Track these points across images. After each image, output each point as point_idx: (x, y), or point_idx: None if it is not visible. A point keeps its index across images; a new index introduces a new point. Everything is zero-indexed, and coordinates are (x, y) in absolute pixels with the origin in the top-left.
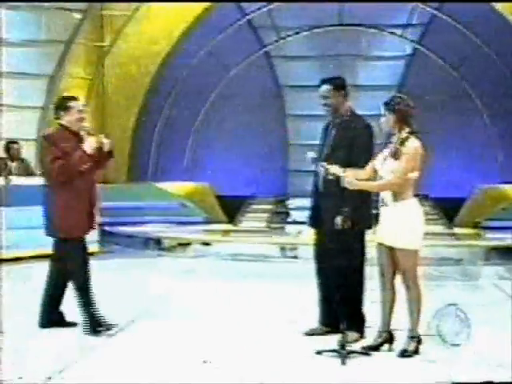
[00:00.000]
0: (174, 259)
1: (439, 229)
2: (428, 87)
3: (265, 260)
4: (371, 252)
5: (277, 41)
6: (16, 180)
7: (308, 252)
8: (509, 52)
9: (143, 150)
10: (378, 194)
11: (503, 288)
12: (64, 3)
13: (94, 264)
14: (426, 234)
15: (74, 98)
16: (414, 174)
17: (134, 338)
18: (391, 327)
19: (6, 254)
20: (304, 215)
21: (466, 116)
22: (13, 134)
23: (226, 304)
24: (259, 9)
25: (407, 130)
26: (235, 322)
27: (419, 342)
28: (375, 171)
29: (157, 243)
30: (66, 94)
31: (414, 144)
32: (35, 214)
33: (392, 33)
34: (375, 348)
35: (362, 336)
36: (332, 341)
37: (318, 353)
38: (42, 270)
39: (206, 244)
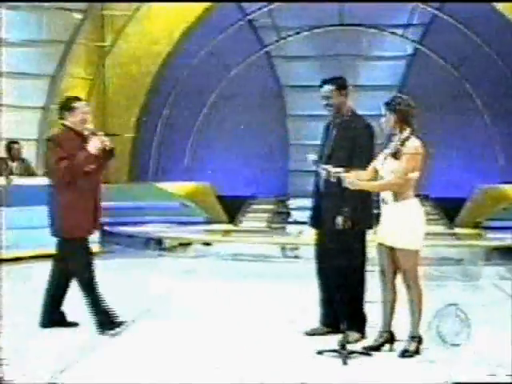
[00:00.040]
0: (174, 259)
1: (440, 229)
2: (429, 87)
3: (265, 260)
4: (372, 252)
5: (277, 41)
6: (17, 180)
7: (309, 252)
8: (510, 52)
9: (144, 150)
10: (378, 194)
11: (504, 288)
12: (64, 3)
13: (94, 264)
14: (427, 234)
15: (78, 99)
16: (415, 174)
17: (135, 338)
18: (392, 327)
19: (6, 254)
20: (305, 215)
21: (466, 116)
22: (13, 134)
23: (227, 304)
24: (260, 9)
25: (408, 130)
26: (236, 322)
27: (420, 342)
28: (376, 172)
29: (157, 243)
30: (70, 95)
31: (414, 144)
32: (36, 214)
33: (393, 33)
34: (376, 348)
35: (362, 336)
36: (333, 341)
37: (319, 353)
38: (42, 269)
39: (207, 244)
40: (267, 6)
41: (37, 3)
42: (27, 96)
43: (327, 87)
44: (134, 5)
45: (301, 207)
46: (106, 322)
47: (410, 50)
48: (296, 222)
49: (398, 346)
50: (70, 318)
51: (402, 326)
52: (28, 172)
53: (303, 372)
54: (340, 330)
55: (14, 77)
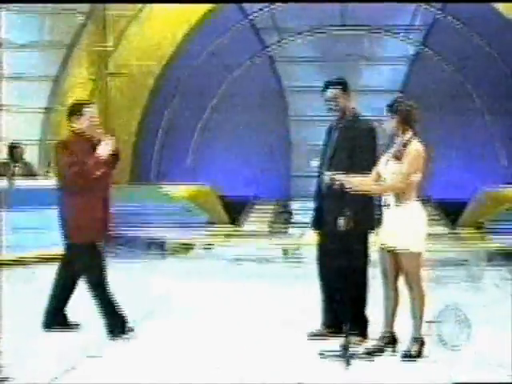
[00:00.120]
0: (176, 261)
1: (442, 230)
2: (431, 88)
3: (267, 262)
4: (374, 254)
5: (279, 42)
6: (19, 182)
7: (311, 254)
8: (511, 52)
9: (146, 152)
10: (381, 197)
11: (506, 289)
12: (67, 5)
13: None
14: (429, 235)
15: (87, 104)
16: (417, 177)
17: (137, 339)
18: (394, 329)
19: (8, 256)
20: (307, 217)
21: (468, 117)
22: (16, 136)
23: (229, 305)
24: (261, 10)
25: (410, 132)
26: (237, 323)
27: (422, 343)
28: (380, 176)
29: (159, 245)
30: (79, 99)
31: (416, 146)
32: (38, 215)
33: (395, 34)
34: (378, 350)
35: (365, 338)
36: (335, 343)
37: (321, 354)
38: (45, 271)
39: (209, 246)
40: (269, 7)
41: (39, 5)
42: (30, 98)
43: (333, 89)
44: (136, 6)
45: (303, 209)
46: (116, 325)
47: (412, 52)
48: (298, 224)
49: (401, 348)
50: (71, 320)
51: (404, 328)
52: (30, 174)
53: (305, 373)
54: (342, 331)
55: (17, 79)
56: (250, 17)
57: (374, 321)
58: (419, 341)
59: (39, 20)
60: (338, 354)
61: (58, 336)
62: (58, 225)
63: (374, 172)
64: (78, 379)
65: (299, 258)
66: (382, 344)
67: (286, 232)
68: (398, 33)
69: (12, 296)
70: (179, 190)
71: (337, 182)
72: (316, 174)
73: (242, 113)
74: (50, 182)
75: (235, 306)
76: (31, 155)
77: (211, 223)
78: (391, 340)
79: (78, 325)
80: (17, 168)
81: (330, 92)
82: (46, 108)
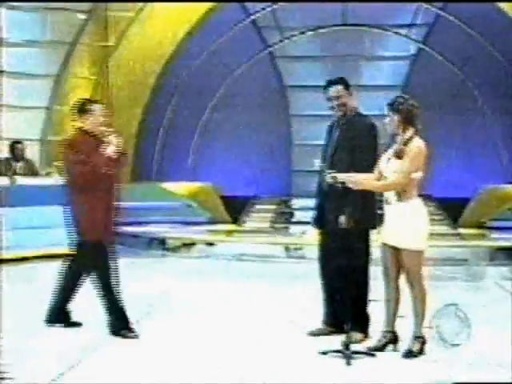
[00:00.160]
0: (178, 259)
1: (444, 229)
2: (432, 87)
3: (269, 260)
4: (375, 252)
5: (281, 41)
6: (20, 180)
7: (312, 252)
8: None
9: (147, 150)
10: (382, 194)
11: (507, 288)
12: (68, 4)
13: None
14: (431, 234)
15: (94, 101)
16: (418, 174)
17: (138, 339)
18: (395, 327)
19: (10, 255)
20: (308, 215)
21: (469, 116)
22: (17, 135)
23: (230, 304)
24: (263, 9)
25: (411, 130)
26: (238, 321)
27: (424, 342)
28: (381, 174)
29: (161, 243)
30: (86, 97)
31: (417, 144)
32: (39, 214)
33: (396, 33)
34: (379, 348)
35: (366, 336)
36: (336, 341)
37: (323, 353)
38: (46, 270)
39: (210, 244)
40: (271, 6)
41: (40, 3)
42: (31, 96)
43: (337, 87)
44: (138, 5)
45: (304, 207)
46: (120, 326)
47: (413, 50)
48: (299, 222)
49: (402, 346)
50: (74, 318)
51: (405, 326)
52: (32, 172)
53: (306, 372)
54: (343, 330)
55: (18, 77)
56: (252, 16)
57: (375, 319)
58: (420, 339)
59: (41, 18)
60: (339, 352)
61: (59, 336)
62: (66, 223)
63: (376, 170)
64: (79, 379)
65: (301, 256)
66: (384, 342)
67: (287, 231)
68: (399, 32)
69: (13, 295)
70: (181, 188)
71: (339, 181)
72: (317, 172)
73: (243, 112)
74: (52, 181)
75: (236, 305)
76: (32, 154)
77: (213, 222)
78: (392, 338)
79: (80, 324)
80: (18, 166)
81: (334, 90)
82: (47, 107)
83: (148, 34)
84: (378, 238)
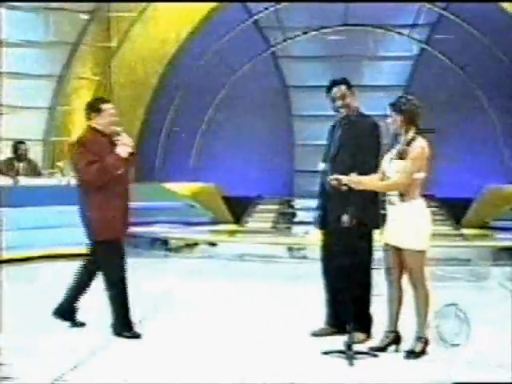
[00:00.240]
0: (180, 259)
1: (447, 229)
2: (434, 87)
3: (271, 260)
4: (378, 252)
5: (284, 41)
6: (23, 180)
7: (314, 252)
8: None
9: (150, 151)
10: (385, 194)
11: (510, 288)
12: (71, 4)
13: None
14: (433, 234)
15: (106, 101)
16: (421, 175)
17: (139, 339)
18: (398, 327)
19: (13, 255)
20: (310, 215)
21: (472, 116)
22: (19, 135)
23: (233, 304)
24: (266, 9)
25: (414, 130)
26: (240, 322)
27: (426, 343)
28: (384, 175)
29: (163, 243)
30: (97, 96)
31: (420, 144)
32: (42, 214)
33: (399, 33)
34: (382, 349)
35: (368, 336)
36: (339, 341)
37: (325, 353)
38: (48, 270)
39: (213, 244)
40: (273, 6)
41: (43, 3)
42: (33, 97)
43: (341, 87)
44: (140, 6)
45: (306, 207)
46: (124, 326)
47: (415, 50)
48: (302, 223)
49: (404, 347)
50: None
51: (408, 327)
52: (34, 172)
53: (308, 372)
54: (346, 330)
55: (20, 77)
56: (255, 16)
57: (378, 320)
58: (423, 340)
59: (43, 19)
60: (341, 352)
61: (61, 336)
62: (80, 223)
63: (380, 171)
64: (81, 379)
65: (303, 256)
66: (386, 342)
67: (289, 231)
68: (402, 32)
69: (15, 294)
70: (183, 189)
71: (343, 183)
72: (319, 172)
73: (245, 112)
74: (54, 181)
75: (238, 306)
76: (35, 154)
77: (215, 222)
78: (395, 338)
79: (83, 324)
80: (21, 166)
81: (338, 90)
82: (49, 107)
83: (150, 34)
84: (380, 238)
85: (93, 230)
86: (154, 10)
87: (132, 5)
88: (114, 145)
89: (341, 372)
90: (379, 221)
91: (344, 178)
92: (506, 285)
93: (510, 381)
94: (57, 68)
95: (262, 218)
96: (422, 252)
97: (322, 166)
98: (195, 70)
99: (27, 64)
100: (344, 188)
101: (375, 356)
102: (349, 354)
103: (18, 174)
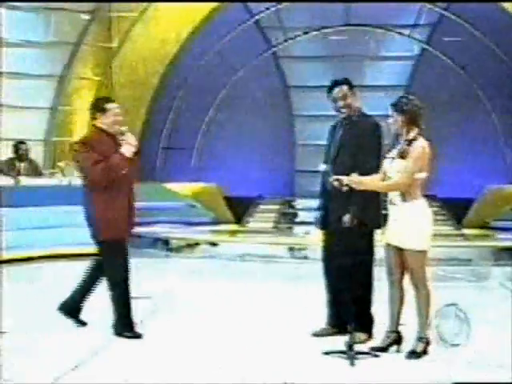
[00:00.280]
0: (181, 259)
1: (448, 229)
2: (435, 87)
3: (272, 260)
4: (379, 252)
5: (285, 41)
6: (24, 180)
7: (316, 252)
8: None
9: (151, 150)
10: (386, 195)
11: (511, 288)
12: (71, 4)
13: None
14: (435, 234)
15: (110, 100)
16: (422, 175)
17: (141, 339)
18: (399, 328)
19: (14, 255)
20: (311, 216)
21: (473, 116)
22: (20, 135)
23: (234, 304)
24: (267, 9)
25: (415, 130)
26: (241, 322)
27: (428, 343)
28: (385, 175)
29: (164, 243)
30: (101, 96)
31: (421, 144)
32: (43, 214)
33: (400, 33)
34: (383, 349)
35: (370, 337)
36: (340, 342)
37: (326, 354)
38: (49, 270)
39: (214, 244)
40: (275, 6)
41: (43, 3)
42: (34, 97)
43: (343, 88)
44: (141, 6)
45: (307, 208)
46: (125, 326)
47: (416, 51)
48: (303, 223)
49: (406, 347)
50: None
51: (409, 327)
52: (36, 172)
53: (309, 373)
54: (347, 330)
55: (20, 77)
56: (256, 16)
57: (379, 320)
58: (424, 340)
59: (44, 19)
60: (343, 352)
61: (62, 335)
62: (85, 222)
63: (381, 171)
64: (82, 379)
65: (304, 256)
66: (387, 342)
67: (290, 231)
68: (403, 32)
69: (15, 295)
70: (184, 189)
71: (344, 183)
72: (320, 172)
73: (246, 112)
74: (55, 181)
75: (239, 306)
76: (36, 154)
77: (216, 222)
78: (396, 339)
79: (85, 323)
80: (22, 166)
81: (339, 90)
82: (50, 107)
83: (151, 34)
84: (382, 239)
85: (97, 230)
86: (154, 9)
87: (133, 5)
88: (118, 144)
89: (342, 372)
90: (380, 221)
91: (345, 179)
92: (507, 285)
93: (509, 381)
94: (57, 68)
95: (263, 218)
96: (424, 252)
97: (322, 167)
98: (196, 70)
99: (27, 64)
100: (345, 188)
101: (376, 356)
102: (350, 354)
103: (19, 174)
